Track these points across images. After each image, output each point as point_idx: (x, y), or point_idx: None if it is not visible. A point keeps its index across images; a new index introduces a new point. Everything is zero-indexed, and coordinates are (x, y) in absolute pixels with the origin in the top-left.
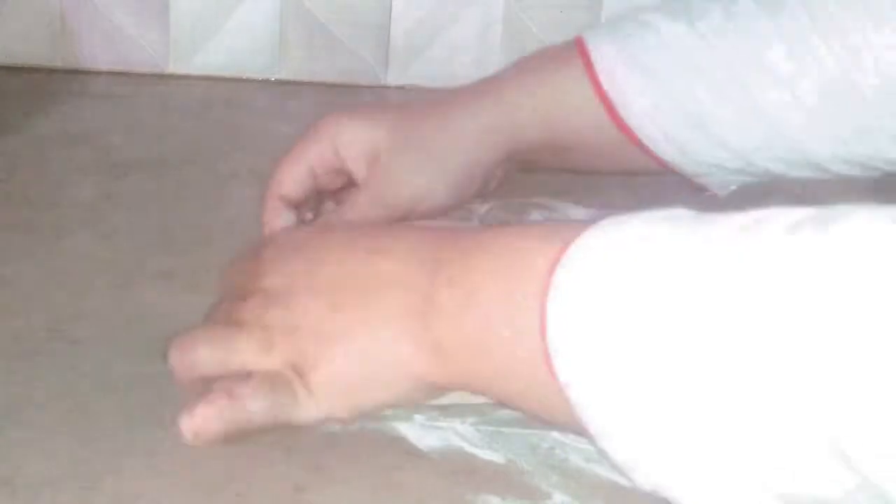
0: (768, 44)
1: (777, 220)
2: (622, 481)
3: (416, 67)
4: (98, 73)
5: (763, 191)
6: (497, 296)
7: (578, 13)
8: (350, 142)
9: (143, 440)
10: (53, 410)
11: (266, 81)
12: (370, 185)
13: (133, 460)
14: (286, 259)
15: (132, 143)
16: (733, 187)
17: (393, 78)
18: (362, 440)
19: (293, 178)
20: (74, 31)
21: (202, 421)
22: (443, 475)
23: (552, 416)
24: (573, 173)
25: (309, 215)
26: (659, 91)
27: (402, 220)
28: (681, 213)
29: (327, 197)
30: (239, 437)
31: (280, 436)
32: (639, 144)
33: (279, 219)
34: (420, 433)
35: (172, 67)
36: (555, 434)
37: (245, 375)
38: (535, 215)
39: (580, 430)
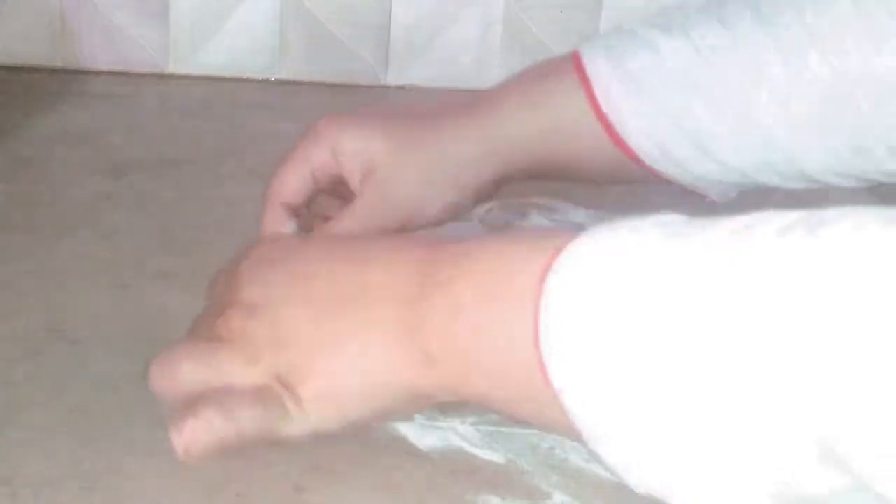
0: (766, 59)
1: (768, 223)
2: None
3: (416, 67)
4: (98, 73)
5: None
6: (488, 304)
7: (578, 13)
8: (347, 151)
9: (143, 440)
10: (53, 410)
11: (266, 81)
12: (365, 197)
13: (133, 460)
14: (266, 270)
15: (132, 143)
16: (733, 194)
17: (393, 78)
18: (362, 440)
19: (294, 184)
20: (74, 31)
21: (192, 434)
22: (443, 475)
23: (546, 422)
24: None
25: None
26: (655, 110)
27: (399, 231)
28: (672, 219)
29: (323, 196)
30: (227, 452)
31: None
32: (637, 161)
33: (281, 226)
34: (420, 433)
35: (172, 67)
36: (555, 434)
37: (230, 390)
38: (535, 215)
39: (574, 435)
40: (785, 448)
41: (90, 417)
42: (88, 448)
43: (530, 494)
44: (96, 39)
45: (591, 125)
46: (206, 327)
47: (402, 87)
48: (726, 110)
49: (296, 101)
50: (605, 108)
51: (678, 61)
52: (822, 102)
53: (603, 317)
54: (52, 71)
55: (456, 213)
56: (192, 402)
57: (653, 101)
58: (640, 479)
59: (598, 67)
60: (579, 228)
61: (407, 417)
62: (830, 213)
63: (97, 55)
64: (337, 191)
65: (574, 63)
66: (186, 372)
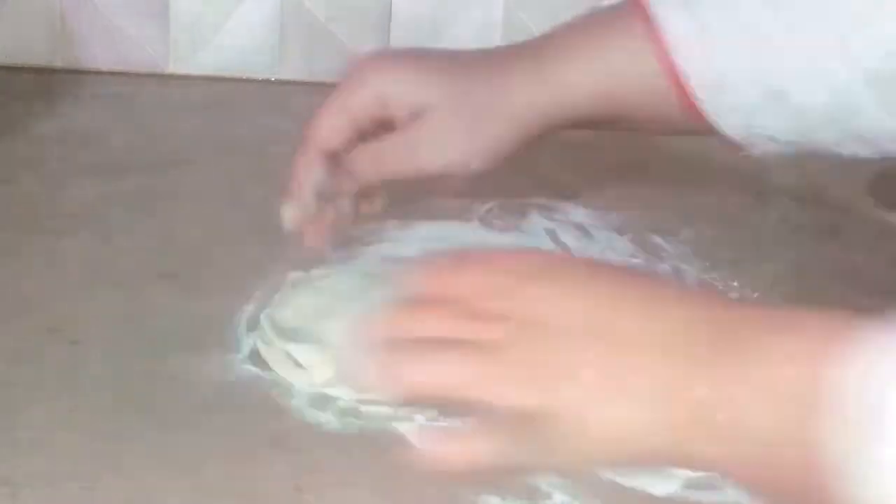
0: (838, 21)
1: None
2: (622, 481)
3: None
4: (98, 73)
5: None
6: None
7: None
8: (397, 93)
9: (143, 440)
10: (53, 410)
11: (266, 81)
12: (408, 139)
13: (133, 460)
14: (543, 287)
15: (132, 143)
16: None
17: None
18: (362, 440)
19: (335, 129)
20: (74, 31)
21: (466, 452)
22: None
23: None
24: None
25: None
26: (734, 62)
27: (425, 179)
28: None
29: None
30: (482, 477)
31: (280, 436)
32: (700, 117)
33: (314, 172)
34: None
35: (172, 67)
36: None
37: (489, 407)
38: (535, 215)
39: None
40: None
41: (90, 417)
42: (88, 447)
43: (530, 494)
44: (96, 39)
45: (656, 80)
46: (446, 327)
47: None
48: (800, 61)
49: (296, 101)
50: (677, 62)
51: (752, 14)
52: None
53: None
54: (52, 71)
55: (492, 167)
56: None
57: (731, 53)
58: None
59: (669, 17)
60: (580, 229)
61: (408, 417)
62: None
63: (97, 55)
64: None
65: (638, 12)
66: (441, 374)
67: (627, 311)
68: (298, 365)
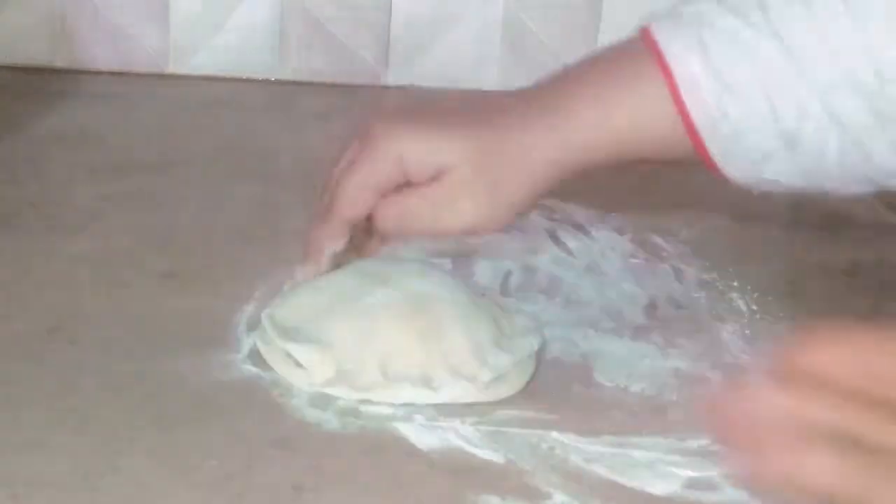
0: (854, 63)
1: None
2: (622, 481)
3: (416, 67)
4: (98, 73)
5: None
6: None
7: (578, 13)
8: (418, 160)
9: (143, 440)
10: (54, 410)
11: (266, 81)
12: (431, 201)
13: (133, 460)
14: None
15: (132, 143)
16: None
17: (393, 78)
18: (362, 440)
19: (359, 202)
20: (74, 31)
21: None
22: (443, 475)
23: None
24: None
25: None
26: (747, 108)
27: (442, 238)
28: None
29: None
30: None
31: (280, 436)
32: (710, 163)
33: (336, 244)
34: (420, 433)
35: (172, 67)
36: (554, 434)
37: None
38: (535, 215)
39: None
40: None
41: (90, 417)
42: (89, 448)
43: (530, 494)
44: (96, 39)
45: (672, 125)
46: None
47: (402, 87)
48: (813, 104)
49: (296, 101)
50: (692, 112)
51: (765, 56)
52: None
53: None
54: (52, 71)
55: (518, 217)
56: None
57: (741, 100)
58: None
59: (683, 62)
60: (579, 229)
61: (408, 416)
62: None
63: (97, 55)
64: None
65: (654, 56)
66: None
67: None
68: (298, 365)
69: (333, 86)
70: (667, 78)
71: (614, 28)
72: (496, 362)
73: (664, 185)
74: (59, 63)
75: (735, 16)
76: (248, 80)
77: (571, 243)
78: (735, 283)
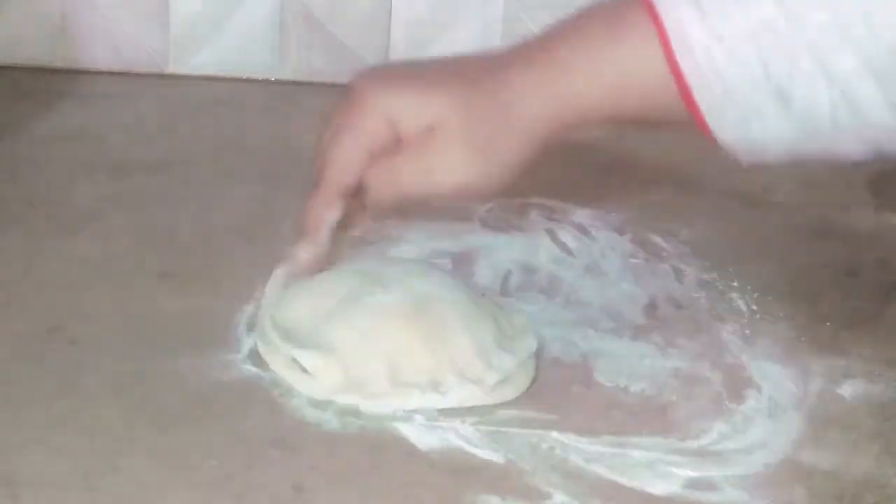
0: (850, 20)
1: None
2: (622, 481)
3: None
4: (98, 73)
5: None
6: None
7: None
8: (406, 115)
9: (143, 440)
10: (54, 410)
11: (266, 81)
12: (423, 161)
13: (133, 460)
14: None
15: (132, 143)
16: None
17: None
18: (362, 440)
19: (350, 165)
20: (74, 31)
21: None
22: (443, 475)
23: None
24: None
25: None
26: (741, 66)
27: (437, 202)
28: None
29: None
30: None
31: (280, 436)
32: (702, 124)
33: (332, 214)
34: (420, 433)
35: (172, 67)
36: (555, 434)
37: None
38: (535, 215)
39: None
40: None
41: (90, 417)
42: (88, 448)
43: (530, 494)
44: (96, 39)
45: (664, 81)
46: None
47: None
48: (805, 59)
49: (296, 101)
50: (682, 66)
51: (760, 9)
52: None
53: None
54: (52, 71)
55: (504, 189)
56: None
57: (734, 57)
58: None
59: (676, 17)
60: (579, 229)
61: (408, 417)
62: None
63: (97, 55)
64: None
65: (645, 6)
66: None
67: None
68: (303, 369)
69: (333, 86)
70: (658, 32)
71: None
72: (500, 364)
73: (664, 185)
74: (59, 63)
75: None
76: (248, 80)
77: (571, 243)
78: (735, 283)
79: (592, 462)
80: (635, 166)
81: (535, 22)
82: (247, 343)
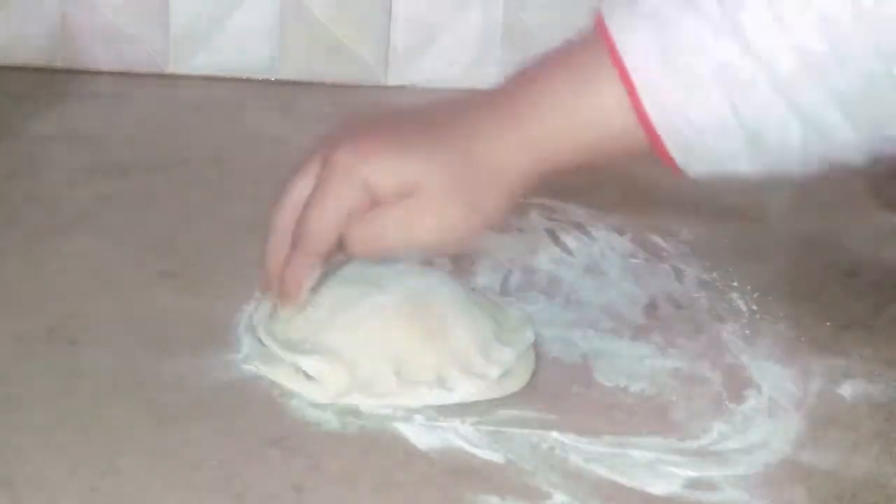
0: (812, 47)
1: None
2: (622, 481)
3: (416, 67)
4: (98, 73)
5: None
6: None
7: (578, 14)
8: (385, 182)
9: (143, 440)
10: (53, 410)
11: (266, 81)
12: (404, 220)
13: (133, 460)
14: None
15: (132, 143)
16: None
17: (393, 78)
18: (362, 440)
19: (331, 232)
20: (74, 31)
21: None
22: (443, 475)
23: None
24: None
25: None
26: (708, 109)
27: (418, 252)
28: None
29: None
30: None
31: (280, 436)
32: (672, 165)
33: (312, 276)
34: (420, 433)
35: (172, 67)
36: (555, 434)
37: None
38: (535, 215)
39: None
40: None
41: (90, 417)
42: (88, 448)
43: (530, 494)
44: (96, 39)
45: (632, 126)
46: None
47: (402, 87)
48: (772, 94)
49: (296, 101)
50: (649, 113)
51: (725, 58)
52: (863, 78)
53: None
54: (52, 71)
55: (500, 221)
56: None
57: (701, 101)
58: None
59: (639, 66)
60: (579, 229)
61: (408, 416)
62: None
63: (97, 55)
64: None
65: (610, 52)
66: None
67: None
68: (308, 377)
69: (333, 86)
70: (624, 80)
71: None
72: (501, 357)
73: (664, 186)
74: (59, 63)
75: (693, 10)
76: (248, 80)
77: (571, 243)
78: (735, 283)
79: (592, 462)
80: (635, 166)
81: (535, 22)
82: (247, 343)
